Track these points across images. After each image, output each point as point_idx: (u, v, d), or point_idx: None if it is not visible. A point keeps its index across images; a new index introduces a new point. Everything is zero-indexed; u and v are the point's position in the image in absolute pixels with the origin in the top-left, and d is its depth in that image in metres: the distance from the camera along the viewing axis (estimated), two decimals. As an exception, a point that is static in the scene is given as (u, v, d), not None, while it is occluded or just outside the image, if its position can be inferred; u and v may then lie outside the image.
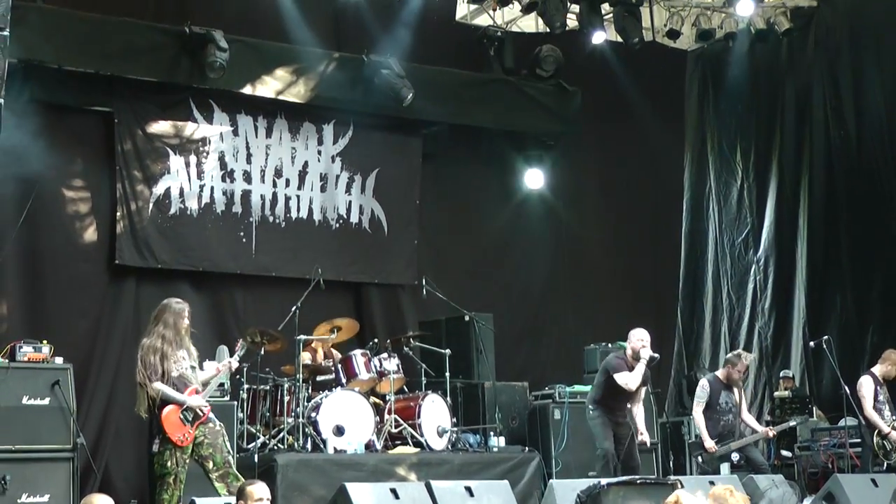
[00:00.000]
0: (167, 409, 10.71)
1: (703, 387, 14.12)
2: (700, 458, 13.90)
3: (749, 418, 14.44)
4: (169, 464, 10.82)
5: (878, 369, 14.75)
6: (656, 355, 13.18)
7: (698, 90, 20.55)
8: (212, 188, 16.07)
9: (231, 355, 11.69)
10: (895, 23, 18.25)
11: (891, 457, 14.35)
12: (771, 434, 14.48)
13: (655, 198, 19.81)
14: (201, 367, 11.48)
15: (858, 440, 14.97)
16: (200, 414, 10.78)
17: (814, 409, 17.66)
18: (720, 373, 14.25)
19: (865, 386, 14.54)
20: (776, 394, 17.96)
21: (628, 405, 13.45)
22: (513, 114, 18.07)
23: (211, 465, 10.79)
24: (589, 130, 18.75)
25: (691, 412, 14.60)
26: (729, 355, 14.65)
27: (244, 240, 16.24)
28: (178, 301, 11.28)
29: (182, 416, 10.72)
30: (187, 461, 10.85)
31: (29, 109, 14.54)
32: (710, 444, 13.76)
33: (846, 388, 14.60)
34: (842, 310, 18.50)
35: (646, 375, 13.29)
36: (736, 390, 14.13)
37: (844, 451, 15.49)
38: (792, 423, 14.95)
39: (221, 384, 13.28)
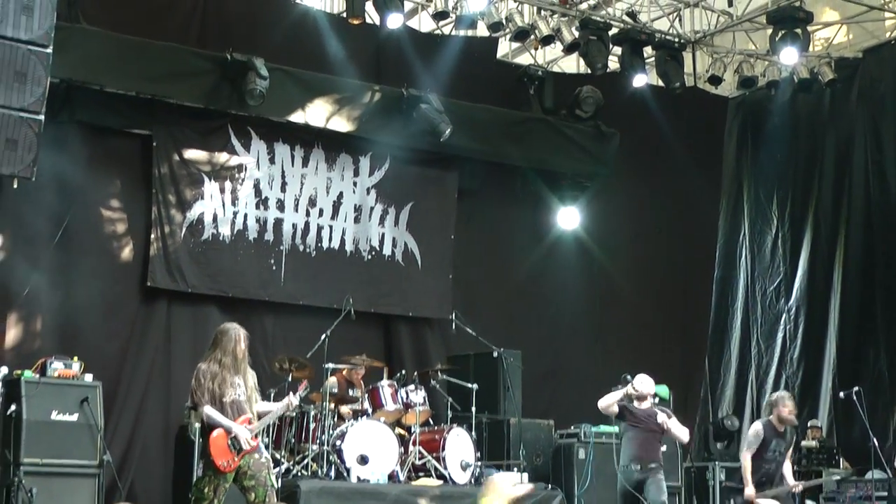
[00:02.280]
0: (216, 433, 10.64)
1: (756, 433, 13.69)
2: (733, 501, 13.80)
3: (787, 466, 14.26)
4: (206, 490, 10.75)
5: None
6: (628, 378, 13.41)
7: (738, 137, 20.54)
8: (245, 215, 16.16)
9: (294, 393, 11.58)
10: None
11: None
12: (799, 489, 14.34)
13: (688, 243, 19.79)
14: (265, 397, 11.45)
15: (885, 493, 14.90)
16: (246, 446, 10.73)
17: (840, 459, 17.57)
18: (772, 418, 13.89)
19: None
20: (803, 443, 17.86)
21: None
22: (550, 153, 18.13)
23: (252, 497, 10.72)
24: (625, 173, 18.77)
25: (720, 457, 14.50)
26: (773, 397, 14.33)
27: (274, 267, 16.31)
28: (237, 326, 11.12)
29: (230, 443, 10.66)
30: (227, 489, 10.79)
31: (69, 129, 14.74)
32: (750, 490, 13.58)
33: (875, 440, 14.52)
34: (874, 363, 18.42)
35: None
36: (787, 436, 13.88)
37: (871, 504, 15.41)
38: (821, 482, 14.80)
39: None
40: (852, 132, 19.43)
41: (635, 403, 13.25)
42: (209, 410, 10.63)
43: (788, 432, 13.86)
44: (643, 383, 13.21)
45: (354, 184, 17.00)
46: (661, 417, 13.12)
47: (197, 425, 10.83)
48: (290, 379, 13.95)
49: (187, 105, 15.45)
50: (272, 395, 13.65)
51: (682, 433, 13.37)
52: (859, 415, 14.94)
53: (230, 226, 16.04)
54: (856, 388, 15.00)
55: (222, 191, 16.01)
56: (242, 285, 16.09)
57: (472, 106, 17.35)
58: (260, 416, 10.97)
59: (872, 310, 18.75)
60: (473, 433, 14.68)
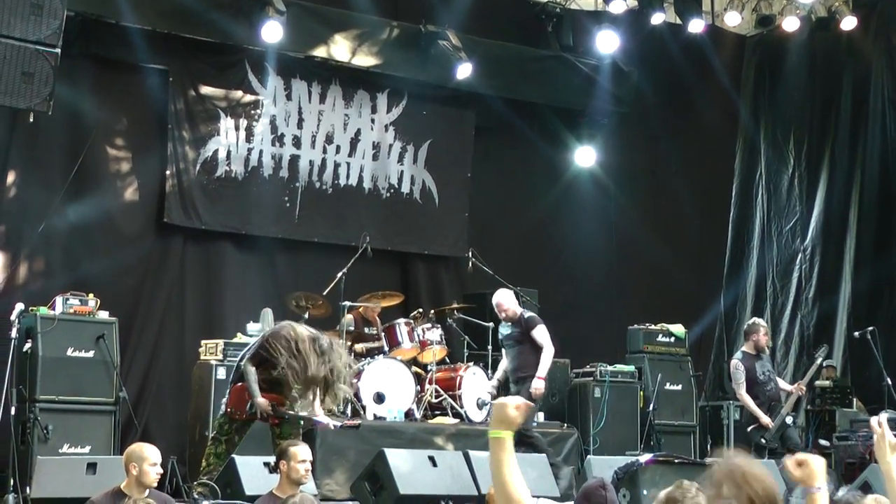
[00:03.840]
0: (240, 384, 10.82)
1: (737, 367, 14.11)
2: (764, 440, 13.85)
3: (780, 382, 14.51)
4: (226, 427, 10.94)
5: None
6: None
7: (755, 76, 20.38)
8: (260, 151, 16.10)
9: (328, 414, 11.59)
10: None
11: None
12: (803, 389, 14.45)
13: (705, 182, 19.74)
14: None
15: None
16: (259, 418, 10.85)
17: (854, 399, 17.60)
18: (746, 346, 14.23)
19: None
20: (817, 383, 17.85)
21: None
22: (567, 91, 18.07)
23: (278, 431, 10.89)
24: (642, 111, 18.69)
25: (734, 396, 14.56)
26: (746, 326, 14.70)
27: (288, 204, 16.27)
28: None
29: (249, 405, 10.78)
30: (246, 431, 10.99)
31: (83, 64, 14.68)
32: (766, 419, 13.77)
33: (888, 379, 14.56)
34: (888, 302, 18.44)
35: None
36: (766, 356, 14.17)
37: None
38: (818, 362, 14.76)
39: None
40: (869, 71, 19.31)
41: None
42: (251, 369, 10.73)
43: (767, 354, 14.08)
44: None
45: (372, 121, 16.93)
46: None
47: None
48: (306, 316, 13.95)
49: (204, 40, 15.36)
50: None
51: None
52: (873, 354, 14.96)
53: (244, 162, 15.98)
54: (870, 328, 15.03)
55: (237, 127, 15.95)
56: (256, 222, 16.05)
57: (489, 43, 17.26)
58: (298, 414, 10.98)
59: (888, 249, 18.73)
60: (489, 371, 14.70)
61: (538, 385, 12.99)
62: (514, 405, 4.90)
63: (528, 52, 17.82)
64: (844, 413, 17.22)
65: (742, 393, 14.02)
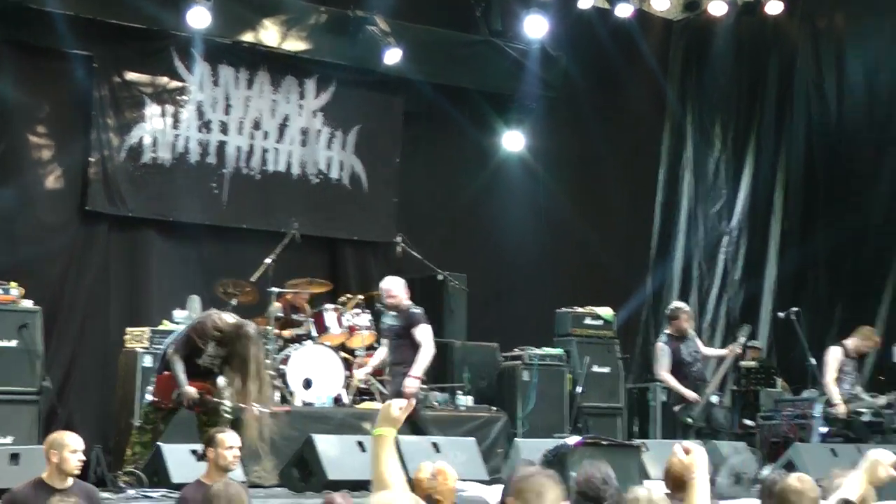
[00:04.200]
0: (167, 373, 10.81)
1: (661, 350, 14.23)
2: (690, 419, 13.95)
3: (710, 350, 14.66)
4: (151, 415, 10.96)
5: (850, 342, 14.86)
6: None
7: (682, 61, 20.51)
8: (187, 138, 15.99)
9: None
10: (881, 3, 18.31)
11: (835, 425, 14.52)
12: (738, 350, 14.58)
13: (633, 166, 19.85)
14: None
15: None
16: (185, 406, 10.84)
17: (778, 379, 17.80)
18: (670, 329, 14.36)
19: (832, 355, 14.68)
20: (742, 363, 18.04)
21: None
22: (496, 76, 18.06)
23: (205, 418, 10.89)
24: (571, 95, 18.73)
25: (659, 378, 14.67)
26: (668, 311, 14.84)
27: (216, 191, 16.18)
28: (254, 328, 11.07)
29: (175, 395, 10.78)
30: (172, 419, 11.08)
31: (6, 49, 14.54)
32: (691, 395, 13.89)
33: (812, 360, 14.73)
34: (813, 284, 18.67)
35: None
36: (691, 337, 14.30)
37: (807, 422, 15.60)
38: (742, 339, 14.85)
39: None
40: (794, 55, 19.51)
41: None
42: (177, 359, 10.71)
43: (691, 337, 14.20)
44: None
45: (300, 107, 16.86)
46: None
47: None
48: (234, 303, 13.92)
49: (129, 25, 15.23)
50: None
51: None
52: (798, 335, 15.12)
53: (171, 149, 15.87)
54: (794, 309, 15.18)
55: (164, 114, 15.84)
56: (183, 209, 15.93)
57: (418, 28, 17.23)
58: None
59: (812, 232, 18.95)
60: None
61: (411, 385, 12.35)
62: (398, 406, 5.04)
63: (457, 37, 17.81)
64: (769, 393, 17.43)
65: (663, 374, 14.14)
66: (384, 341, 13.10)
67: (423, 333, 12.65)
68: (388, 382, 13.09)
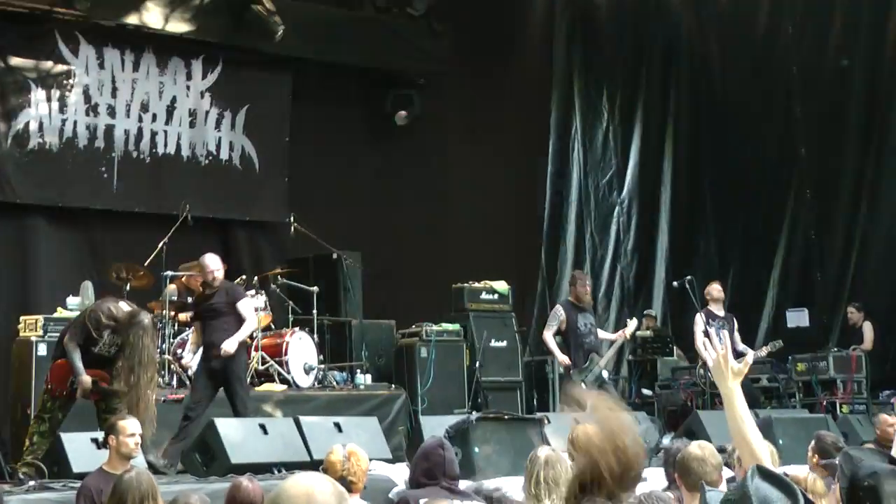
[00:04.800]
0: (62, 361, 10.67)
1: (556, 312, 14.32)
2: (583, 383, 14.03)
3: (604, 333, 14.78)
4: (49, 405, 10.80)
5: (710, 305, 15.06)
6: None
7: (567, 32, 20.61)
8: (74, 122, 15.79)
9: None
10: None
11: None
12: (627, 334, 14.70)
13: (522, 139, 19.92)
14: None
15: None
16: (80, 396, 10.72)
17: (674, 348, 17.99)
18: (570, 296, 14.47)
19: (696, 322, 14.86)
20: (638, 333, 18.20)
21: None
22: (383, 52, 18.09)
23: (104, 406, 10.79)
24: (459, 70, 18.78)
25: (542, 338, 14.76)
26: (572, 275, 15.00)
27: (105, 175, 15.99)
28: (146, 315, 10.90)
29: (71, 381, 10.65)
30: (70, 408, 10.89)
31: None
32: (562, 357, 13.96)
33: (708, 327, 14.88)
34: (704, 251, 18.90)
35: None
36: (590, 310, 14.42)
37: (704, 389, 15.80)
38: (633, 326, 14.96)
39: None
40: (678, 25, 19.70)
41: None
42: (73, 348, 10.59)
43: (589, 308, 14.32)
44: None
45: (188, 88, 16.73)
46: None
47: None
48: (128, 287, 13.76)
49: (11, 10, 14.98)
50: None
51: None
52: (692, 303, 15.29)
53: (58, 134, 15.67)
54: (688, 277, 15.34)
55: (49, 98, 15.62)
56: (72, 194, 15.76)
57: (304, 6, 17.22)
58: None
59: (701, 200, 19.21)
60: (315, 336, 14.70)
61: (230, 346, 11.83)
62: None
63: (344, 14, 17.81)
64: (665, 362, 17.64)
65: (547, 335, 14.19)
66: (197, 323, 12.51)
67: (248, 306, 12.43)
68: (216, 364, 11.98)
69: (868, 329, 16.54)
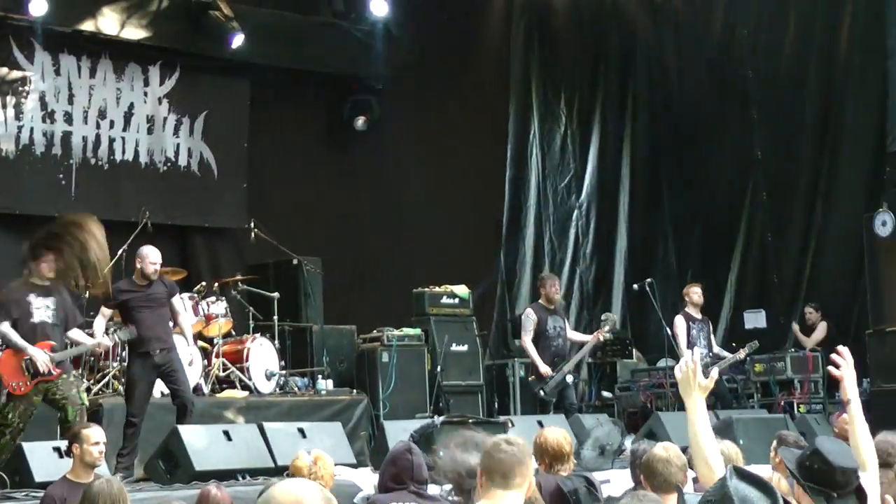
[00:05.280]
0: (5, 351, 10.58)
1: (528, 315, 14.40)
2: (543, 391, 14.09)
3: (576, 335, 14.84)
4: (10, 416, 10.70)
5: (688, 308, 15.17)
6: None
7: (524, 38, 20.66)
8: (31, 129, 15.73)
9: (108, 333, 11.49)
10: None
11: None
12: (601, 337, 14.75)
13: (482, 143, 19.95)
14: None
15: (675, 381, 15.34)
16: (43, 372, 10.58)
17: (634, 350, 18.07)
18: (541, 299, 14.54)
19: (678, 325, 14.97)
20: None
21: None
22: (341, 58, 18.09)
23: (62, 415, 10.70)
24: (418, 75, 18.79)
25: (519, 353, 14.81)
26: (540, 277, 15.06)
27: (63, 182, 15.94)
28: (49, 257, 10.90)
29: (24, 364, 10.54)
30: (32, 413, 10.78)
31: None
32: (544, 368, 14.03)
33: (668, 329, 14.98)
34: (663, 254, 19.00)
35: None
36: (560, 312, 14.48)
37: (664, 391, 15.89)
38: (606, 328, 14.98)
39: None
40: (634, 29, 19.79)
41: None
42: (5, 328, 10.50)
43: (560, 310, 14.39)
44: None
45: (145, 94, 16.68)
46: None
47: None
48: (86, 295, 13.69)
49: (-36, 16, 14.94)
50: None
51: None
52: (651, 306, 15.39)
53: (14, 141, 15.60)
54: (648, 280, 15.42)
55: (5, 105, 15.55)
56: (30, 202, 15.65)
57: (262, 11, 17.20)
58: (69, 346, 10.86)
59: (660, 203, 19.29)
60: (277, 342, 14.70)
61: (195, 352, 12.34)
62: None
63: (301, 19, 17.79)
64: (625, 364, 17.71)
65: (526, 340, 14.27)
66: (108, 312, 12.09)
67: (182, 300, 12.58)
68: (157, 353, 11.73)
69: (821, 329, 16.69)
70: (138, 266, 11.97)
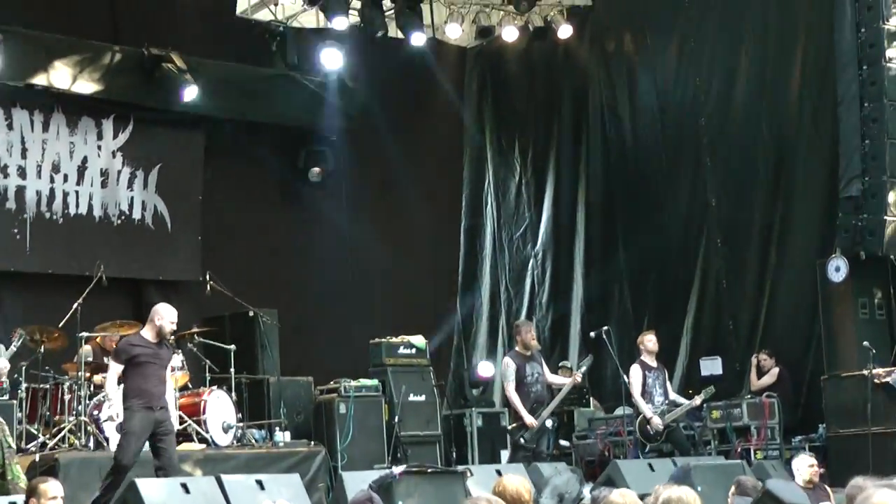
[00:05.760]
0: None
1: (507, 365, 14.30)
2: (523, 439, 14.03)
3: (553, 377, 14.79)
4: None
5: (643, 356, 15.19)
6: None
7: (477, 87, 20.81)
8: (-16, 184, 15.70)
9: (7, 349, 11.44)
10: (667, 22, 18.79)
11: (654, 440, 14.77)
12: (578, 378, 14.72)
13: (436, 193, 20.04)
14: None
15: (632, 428, 15.36)
16: None
17: (591, 398, 18.06)
18: (517, 346, 14.49)
19: (633, 373, 14.97)
20: (555, 383, 18.28)
21: None
22: (295, 109, 18.17)
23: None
24: (372, 125, 18.84)
25: (476, 403, 14.78)
26: (515, 325, 15.04)
27: (18, 237, 15.89)
28: None
29: None
30: None
31: None
32: (530, 419, 13.98)
33: (625, 376, 14.97)
34: (618, 302, 19.02)
35: None
36: (538, 358, 14.45)
37: (621, 439, 15.89)
38: (584, 368, 14.97)
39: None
40: (587, 77, 19.91)
41: None
42: None
43: (536, 355, 14.38)
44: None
45: (99, 147, 16.67)
46: None
47: None
48: (42, 350, 13.63)
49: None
50: (24, 368, 13.31)
51: None
52: (608, 354, 15.39)
53: (-32, 196, 15.55)
54: (605, 328, 15.42)
55: (-43, 161, 15.51)
56: (-16, 257, 15.61)
57: (215, 64, 17.25)
58: None
59: (615, 250, 19.33)
60: (233, 394, 14.60)
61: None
62: None
63: (255, 71, 17.85)
64: (582, 413, 17.69)
65: (510, 389, 14.18)
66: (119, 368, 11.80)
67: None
68: (158, 410, 11.63)
69: (772, 374, 16.72)
70: (157, 323, 11.72)
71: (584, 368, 14.71)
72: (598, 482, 13.22)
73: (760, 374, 17.00)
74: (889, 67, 15.11)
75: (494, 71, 20.68)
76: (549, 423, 14.24)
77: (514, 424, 14.36)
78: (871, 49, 15.22)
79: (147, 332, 11.80)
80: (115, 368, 11.75)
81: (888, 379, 14.82)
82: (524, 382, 14.15)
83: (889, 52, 15.12)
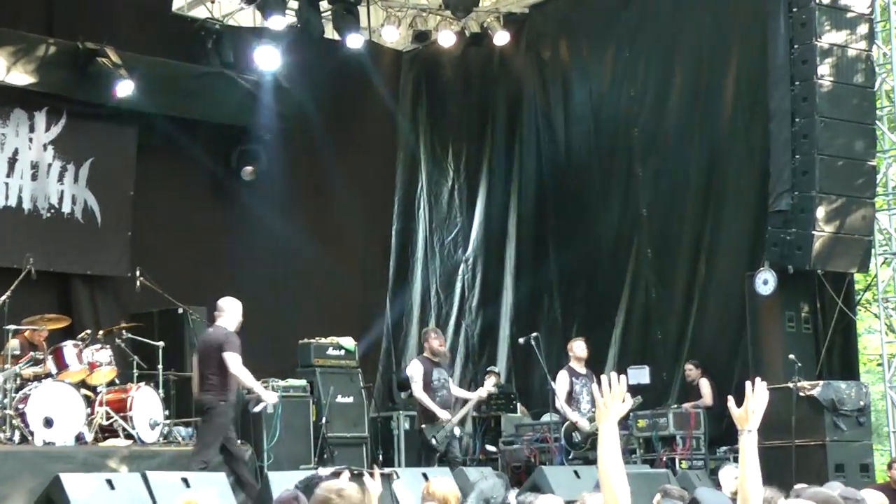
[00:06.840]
0: None
1: (415, 367, 14.45)
2: (434, 440, 14.06)
3: (458, 391, 14.89)
4: None
5: (572, 362, 15.28)
6: None
7: (412, 91, 20.85)
8: (-89, 175, 15.54)
9: None
10: (603, 32, 18.91)
11: (580, 447, 14.87)
12: (484, 395, 14.81)
13: (369, 195, 20.05)
14: None
15: (557, 435, 15.44)
16: None
17: (518, 404, 18.13)
18: (426, 353, 14.58)
19: (559, 380, 15.06)
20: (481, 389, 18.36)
21: None
22: (230, 107, 18.12)
23: None
24: (306, 126, 18.84)
25: (404, 406, 14.82)
26: (424, 331, 15.15)
27: (-55, 228, 15.74)
28: None
29: None
30: None
31: None
32: (441, 413, 14.06)
33: (553, 383, 15.04)
34: (548, 309, 19.10)
35: None
36: (444, 364, 14.55)
37: (547, 445, 15.97)
38: (494, 380, 15.08)
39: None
40: (521, 85, 20.00)
41: None
42: None
43: (444, 362, 14.47)
44: None
45: (30, 140, 16.52)
46: None
47: None
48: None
49: None
50: None
51: None
52: (536, 360, 15.45)
53: None
54: (534, 334, 15.48)
55: None
56: None
57: (149, 60, 17.11)
58: None
59: (546, 257, 19.41)
60: (161, 391, 14.55)
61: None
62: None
63: (189, 68, 17.75)
64: (509, 418, 17.77)
65: (418, 389, 14.29)
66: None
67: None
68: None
69: (705, 385, 16.84)
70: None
71: (491, 382, 14.84)
72: (524, 488, 13.30)
73: (685, 383, 17.13)
74: (821, 84, 15.25)
75: (430, 75, 20.73)
76: (456, 431, 14.33)
77: (424, 425, 14.40)
78: (803, 65, 15.36)
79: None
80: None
81: (813, 392, 15.01)
82: (431, 387, 14.28)
83: (821, 69, 15.26)
